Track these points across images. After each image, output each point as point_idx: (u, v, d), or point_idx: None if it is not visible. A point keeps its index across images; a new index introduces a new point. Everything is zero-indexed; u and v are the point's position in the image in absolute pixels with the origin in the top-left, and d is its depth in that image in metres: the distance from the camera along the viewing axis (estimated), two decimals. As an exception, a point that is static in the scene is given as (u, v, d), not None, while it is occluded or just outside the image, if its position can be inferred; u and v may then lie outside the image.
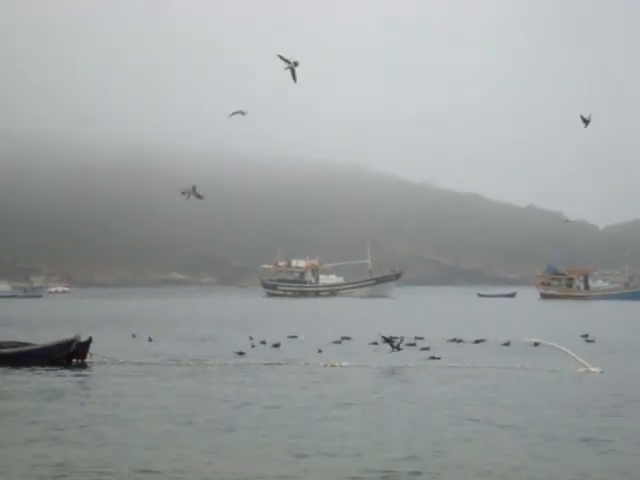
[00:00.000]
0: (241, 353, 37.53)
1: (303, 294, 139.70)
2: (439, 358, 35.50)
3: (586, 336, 46.21)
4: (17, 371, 32.10)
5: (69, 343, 34.93)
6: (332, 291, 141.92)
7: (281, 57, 29.37)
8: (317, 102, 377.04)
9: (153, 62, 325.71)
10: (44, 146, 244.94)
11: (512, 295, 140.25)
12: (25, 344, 36.05)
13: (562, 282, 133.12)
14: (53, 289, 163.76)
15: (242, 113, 36.33)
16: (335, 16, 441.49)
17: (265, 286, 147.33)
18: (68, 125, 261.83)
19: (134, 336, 46.57)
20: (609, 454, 17.73)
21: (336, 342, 43.44)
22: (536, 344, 41.03)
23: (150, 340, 44.48)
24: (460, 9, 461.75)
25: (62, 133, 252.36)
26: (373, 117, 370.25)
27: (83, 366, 33.97)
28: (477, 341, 43.84)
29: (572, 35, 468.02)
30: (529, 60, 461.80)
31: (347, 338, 45.00)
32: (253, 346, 41.11)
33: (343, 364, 33.32)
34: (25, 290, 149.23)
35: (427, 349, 38.65)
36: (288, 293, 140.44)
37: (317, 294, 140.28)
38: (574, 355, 34.07)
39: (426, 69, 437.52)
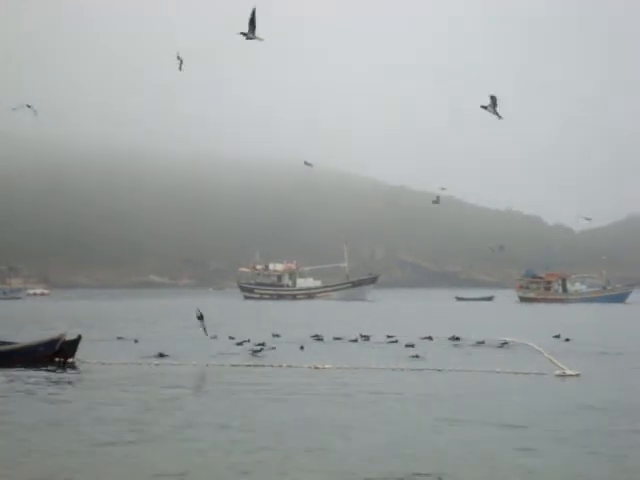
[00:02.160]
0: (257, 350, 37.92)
1: (280, 297, 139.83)
2: (417, 356, 36.22)
3: (558, 336, 46.48)
4: None
5: (54, 341, 34.27)
6: (309, 294, 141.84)
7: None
8: (299, 107, 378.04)
9: (142, 64, 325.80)
10: (24, 147, 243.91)
11: (490, 298, 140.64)
12: (8, 343, 35.30)
13: (540, 285, 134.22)
14: (32, 291, 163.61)
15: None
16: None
17: (242, 289, 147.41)
18: (48, 126, 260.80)
19: (119, 338, 45.72)
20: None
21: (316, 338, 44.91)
22: (505, 343, 41.47)
23: (136, 341, 43.87)
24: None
25: (44, 134, 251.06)
26: (353, 121, 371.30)
27: (66, 366, 33.19)
28: (453, 338, 44.48)
29: (554, 36, 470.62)
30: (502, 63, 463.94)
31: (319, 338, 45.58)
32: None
33: (327, 366, 33.03)
34: (4, 292, 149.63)
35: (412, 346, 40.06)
36: (265, 296, 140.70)
37: (294, 297, 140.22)
38: (550, 357, 34.25)
39: (406, 71, 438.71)
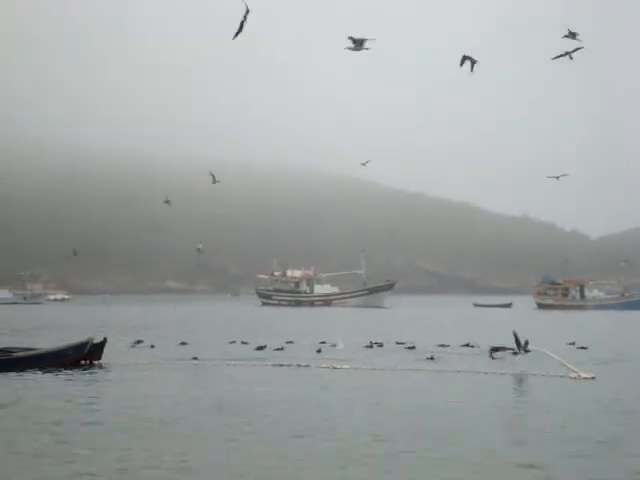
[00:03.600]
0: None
1: (298, 304, 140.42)
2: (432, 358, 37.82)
3: (573, 344, 46.85)
4: (30, 374, 32.22)
5: (83, 345, 35.27)
6: (326, 301, 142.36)
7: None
8: (315, 115, 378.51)
9: (155, 65, 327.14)
10: (43, 154, 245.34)
11: (508, 305, 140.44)
12: (35, 349, 36.10)
13: (558, 292, 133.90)
14: (52, 297, 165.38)
15: None
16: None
17: (260, 295, 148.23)
18: (69, 132, 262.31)
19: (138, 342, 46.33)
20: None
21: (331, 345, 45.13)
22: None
23: (152, 347, 44.60)
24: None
25: (62, 140, 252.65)
26: (367, 126, 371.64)
27: (96, 368, 34.18)
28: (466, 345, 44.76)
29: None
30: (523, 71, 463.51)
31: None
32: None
33: (344, 366, 34.37)
34: (25, 297, 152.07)
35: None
36: (283, 302, 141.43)
37: (311, 304, 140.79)
38: (564, 362, 35.02)
39: (422, 75, 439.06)
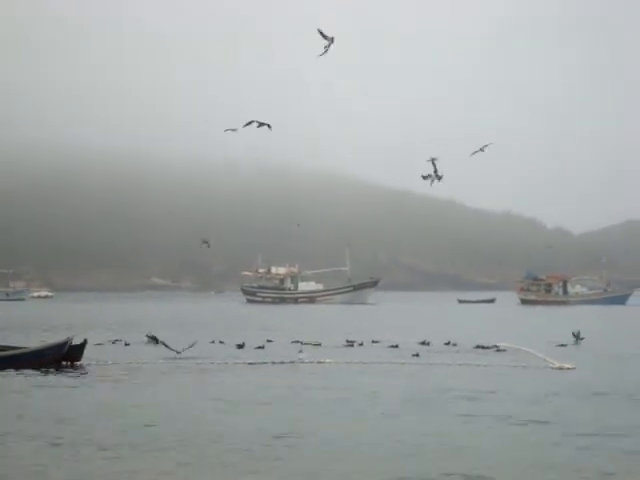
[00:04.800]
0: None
1: (282, 301, 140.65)
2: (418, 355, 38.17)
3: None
4: (4, 374, 31.50)
5: (62, 345, 34.49)
6: (311, 298, 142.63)
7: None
8: (300, 111, 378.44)
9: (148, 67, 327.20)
10: (26, 151, 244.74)
11: (492, 301, 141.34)
12: (15, 348, 35.26)
13: (541, 288, 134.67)
14: (36, 294, 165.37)
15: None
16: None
17: (245, 292, 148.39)
18: (52, 130, 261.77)
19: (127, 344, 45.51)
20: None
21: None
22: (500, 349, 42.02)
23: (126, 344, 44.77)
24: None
25: (46, 139, 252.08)
26: (353, 123, 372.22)
27: (74, 369, 33.49)
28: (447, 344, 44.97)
29: (555, 36, 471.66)
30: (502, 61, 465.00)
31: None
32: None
33: (327, 360, 35.24)
34: (7, 294, 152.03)
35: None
36: (267, 300, 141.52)
37: (296, 301, 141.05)
38: (544, 356, 36.44)
39: (409, 72, 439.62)
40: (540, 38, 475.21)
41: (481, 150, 36.27)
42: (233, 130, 37.78)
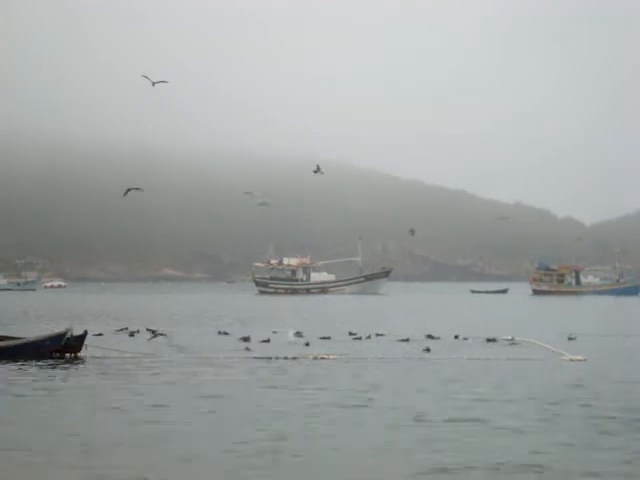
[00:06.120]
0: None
1: (294, 292, 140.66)
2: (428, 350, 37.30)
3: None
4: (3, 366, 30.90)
5: (60, 336, 33.90)
6: (323, 289, 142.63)
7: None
8: (312, 103, 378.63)
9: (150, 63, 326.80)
10: (39, 144, 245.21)
11: (504, 291, 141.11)
12: (15, 338, 34.77)
13: (554, 278, 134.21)
14: (49, 284, 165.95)
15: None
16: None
17: (257, 284, 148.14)
18: (62, 123, 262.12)
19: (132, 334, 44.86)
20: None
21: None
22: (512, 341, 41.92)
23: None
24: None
25: (56, 131, 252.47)
26: (364, 115, 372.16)
27: (75, 360, 32.89)
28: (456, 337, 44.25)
29: (556, 36, 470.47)
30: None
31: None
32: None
33: (332, 356, 34.52)
34: (19, 284, 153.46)
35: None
36: (280, 291, 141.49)
37: (308, 292, 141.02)
38: (554, 348, 36.43)
39: (416, 69, 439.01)
40: (551, 31, 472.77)
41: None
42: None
